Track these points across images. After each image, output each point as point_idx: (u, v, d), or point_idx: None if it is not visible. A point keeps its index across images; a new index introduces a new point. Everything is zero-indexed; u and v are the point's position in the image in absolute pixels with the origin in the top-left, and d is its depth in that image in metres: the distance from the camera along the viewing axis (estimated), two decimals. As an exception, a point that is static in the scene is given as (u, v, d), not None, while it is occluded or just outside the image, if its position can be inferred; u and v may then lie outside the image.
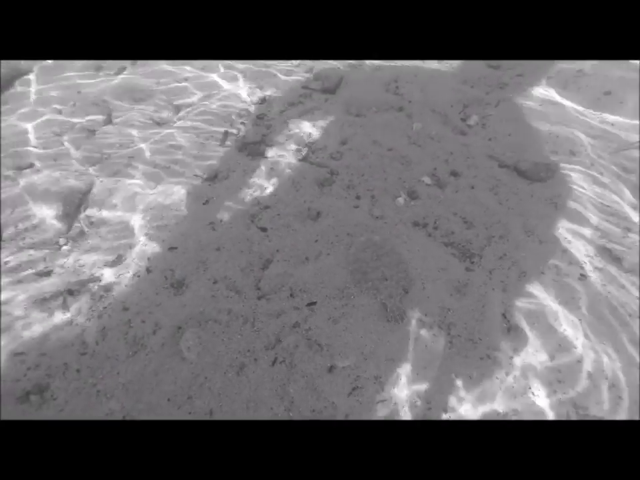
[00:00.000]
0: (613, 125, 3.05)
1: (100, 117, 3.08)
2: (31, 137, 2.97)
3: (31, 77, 3.43)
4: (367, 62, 3.72)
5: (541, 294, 2.22)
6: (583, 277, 2.28)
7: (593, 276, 2.28)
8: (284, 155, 2.88)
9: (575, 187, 2.67)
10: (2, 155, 2.79)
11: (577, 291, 2.22)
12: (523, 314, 2.15)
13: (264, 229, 2.46)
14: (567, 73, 3.47)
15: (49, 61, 3.48)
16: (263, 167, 2.79)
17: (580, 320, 2.13)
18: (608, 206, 2.57)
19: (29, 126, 3.03)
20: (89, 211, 2.58)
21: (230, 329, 2.09)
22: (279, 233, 2.44)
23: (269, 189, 2.65)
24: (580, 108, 3.20)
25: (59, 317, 2.12)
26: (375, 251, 2.30)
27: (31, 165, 2.79)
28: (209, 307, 2.15)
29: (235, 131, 3.07)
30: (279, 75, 3.57)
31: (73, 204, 2.55)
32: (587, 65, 3.43)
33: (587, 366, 1.97)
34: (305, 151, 2.89)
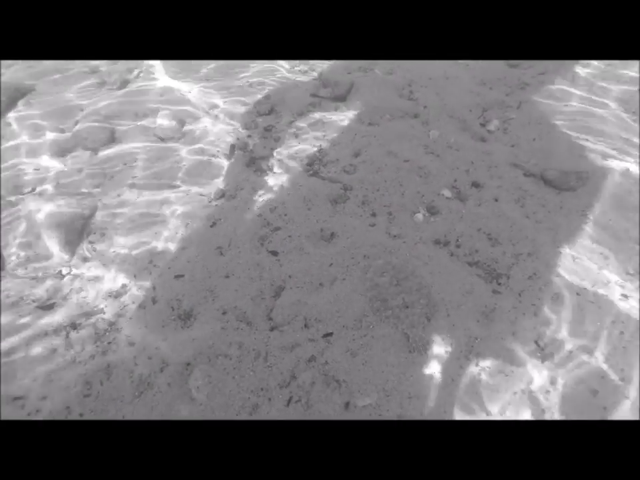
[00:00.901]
0: (648, 123, 2.83)
1: (103, 135, 2.97)
2: (33, 159, 2.87)
3: (33, 96, 3.34)
4: (379, 65, 3.53)
5: (577, 317, 2.03)
6: (625, 297, 2.09)
7: (636, 296, 2.08)
8: (294, 170, 2.72)
9: (609, 195, 2.46)
10: (3, 179, 2.70)
11: (618, 315, 2.03)
12: (557, 341, 1.97)
13: (275, 253, 2.31)
14: (594, 67, 3.24)
15: (51, 79, 3.39)
16: (272, 184, 2.64)
17: (624, 348, 1.94)
18: (647, 216, 2.36)
19: (31, 148, 2.93)
20: (92, 237, 2.47)
21: (241, 365, 1.95)
22: (291, 256, 2.29)
23: (279, 208, 2.50)
24: (612, 105, 2.97)
25: (62, 354, 2.02)
26: (394, 275, 2.14)
27: (33, 190, 2.69)
28: (218, 341, 2.02)
29: (242, 145, 2.93)
30: (286, 83, 3.42)
31: (76, 230, 2.44)
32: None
33: (635, 403, 1.78)
34: (316, 165, 2.74)
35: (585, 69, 3.29)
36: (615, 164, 2.62)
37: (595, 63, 3.31)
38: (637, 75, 3.16)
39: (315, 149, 2.84)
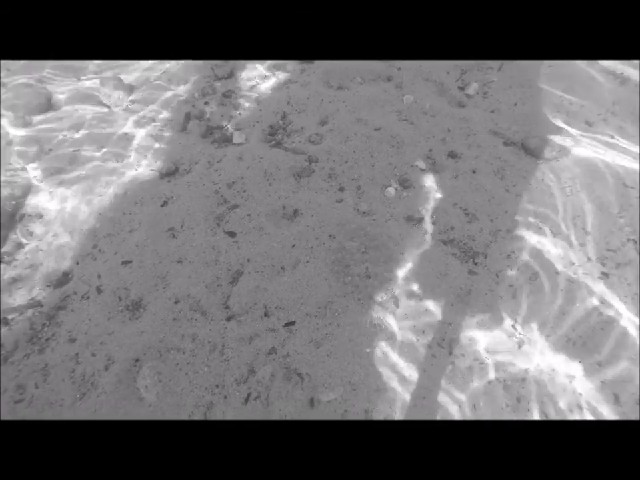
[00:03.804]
0: (637, 85, 2.64)
1: (37, 101, 2.62)
2: (-43, 130, 2.53)
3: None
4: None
5: (556, 299, 1.91)
6: (605, 275, 1.96)
7: (616, 274, 1.96)
8: (255, 140, 2.46)
9: (592, 165, 2.30)
10: None
11: (597, 294, 1.91)
12: (535, 324, 1.85)
13: (232, 234, 2.10)
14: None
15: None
16: (230, 157, 2.38)
17: (602, 329, 1.83)
18: (631, 187, 2.21)
19: (-46, 117, 2.58)
20: (27, 220, 2.20)
21: (195, 359, 1.78)
22: (250, 237, 2.08)
23: (238, 184, 2.26)
24: (597, 67, 2.76)
25: (-8, 354, 1.80)
26: (364, 242, 2.00)
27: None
28: (170, 333, 1.84)
29: (197, 114, 2.64)
30: (247, 41, 3.07)
31: (6, 212, 2.16)
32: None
33: (615, 388, 1.69)
34: (279, 135, 2.48)
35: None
36: (600, 129, 2.45)
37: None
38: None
39: (279, 116, 2.57)
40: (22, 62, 2.86)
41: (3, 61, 2.87)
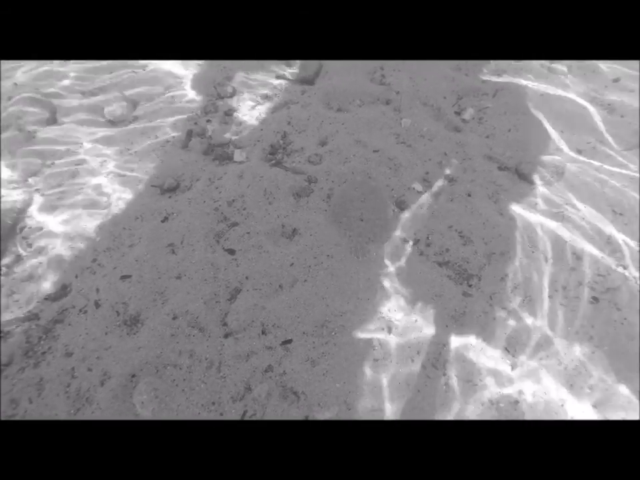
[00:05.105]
0: (622, 116, 2.74)
1: (41, 115, 2.66)
2: (-40, 141, 2.55)
3: (-37, 67, 2.97)
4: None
5: (548, 322, 1.95)
6: (595, 300, 2.01)
7: (606, 298, 2.01)
8: (255, 159, 2.51)
9: (583, 192, 2.37)
10: None
11: (588, 318, 1.96)
12: (528, 348, 1.89)
13: (231, 251, 2.12)
14: (572, 57, 3.12)
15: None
16: (230, 175, 2.42)
17: (593, 352, 1.87)
18: (621, 214, 2.28)
19: (-43, 128, 2.60)
20: (27, 232, 2.21)
21: (192, 376, 1.79)
22: (249, 255, 2.11)
23: (238, 202, 2.29)
24: (587, 97, 2.87)
25: (-13, 368, 1.79)
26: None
27: (-42, 177, 2.39)
28: (167, 349, 1.84)
29: (199, 131, 2.69)
30: (250, 62, 3.15)
31: (6, 224, 2.17)
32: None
33: (606, 412, 1.72)
34: (279, 154, 2.53)
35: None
36: (590, 156, 2.53)
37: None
38: (609, 69, 3.07)
39: (279, 136, 2.63)
40: (28, 75, 2.90)
41: (8, 72, 2.92)
